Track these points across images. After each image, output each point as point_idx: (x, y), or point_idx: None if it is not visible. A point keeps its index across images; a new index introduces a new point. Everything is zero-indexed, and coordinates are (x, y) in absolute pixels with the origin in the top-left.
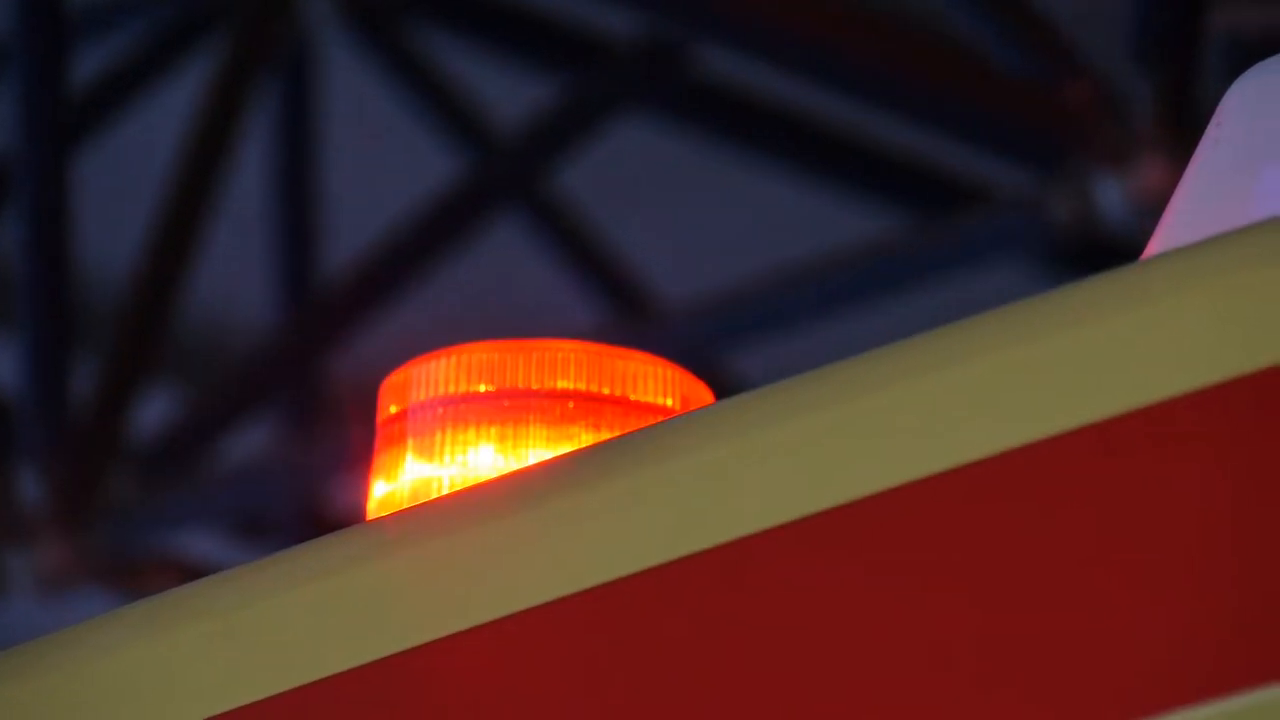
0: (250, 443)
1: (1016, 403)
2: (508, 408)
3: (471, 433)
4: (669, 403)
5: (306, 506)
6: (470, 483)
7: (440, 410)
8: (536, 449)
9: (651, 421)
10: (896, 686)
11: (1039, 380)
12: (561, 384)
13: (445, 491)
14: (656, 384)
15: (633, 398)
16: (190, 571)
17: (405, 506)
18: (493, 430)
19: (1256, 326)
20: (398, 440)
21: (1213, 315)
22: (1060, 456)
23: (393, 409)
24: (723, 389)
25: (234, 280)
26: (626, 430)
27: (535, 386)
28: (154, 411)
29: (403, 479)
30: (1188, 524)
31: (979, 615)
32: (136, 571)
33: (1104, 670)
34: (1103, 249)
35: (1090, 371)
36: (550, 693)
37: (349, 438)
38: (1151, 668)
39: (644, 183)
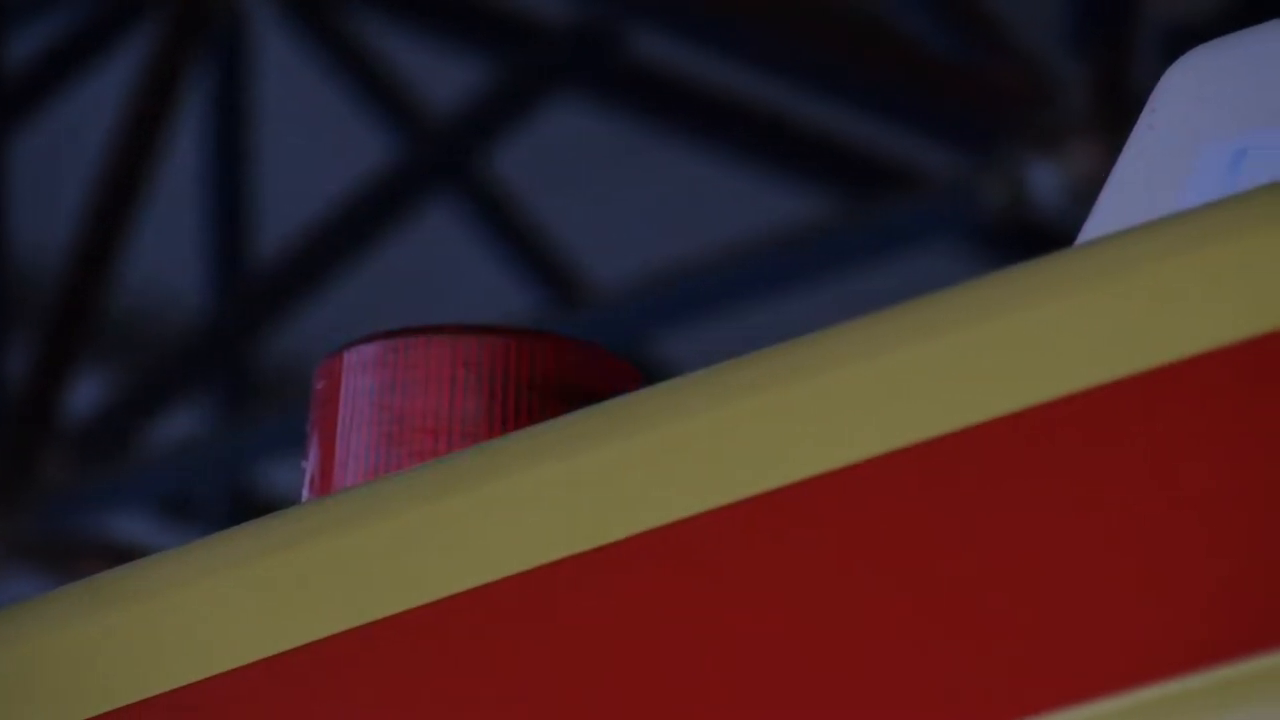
0: (181, 425)
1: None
2: (441, 392)
3: (406, 417)
4: (600, 387)
5: (237, 489)
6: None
7: (374, 394)
8: (469, 434)
9: (583, 406)
10: (851, 673)
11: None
12: (494, 368)
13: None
14: (588, 368)
15: (564, 382)
16: (122, 554)
17: (338, 490)
18: (427, 414)
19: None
20: (331, 423)
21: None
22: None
23: (326, 392)
24: (654, 372)
25: (166, 262)
26: (558, 415)
27: (468, 371)
28: (86, 393)
29: (336, 462)
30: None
31: (939, 591)
32: (67, 553)
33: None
34: (1035, 233)
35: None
36: (481, 675)
37: (280, 420)
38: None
39: (576, 166)
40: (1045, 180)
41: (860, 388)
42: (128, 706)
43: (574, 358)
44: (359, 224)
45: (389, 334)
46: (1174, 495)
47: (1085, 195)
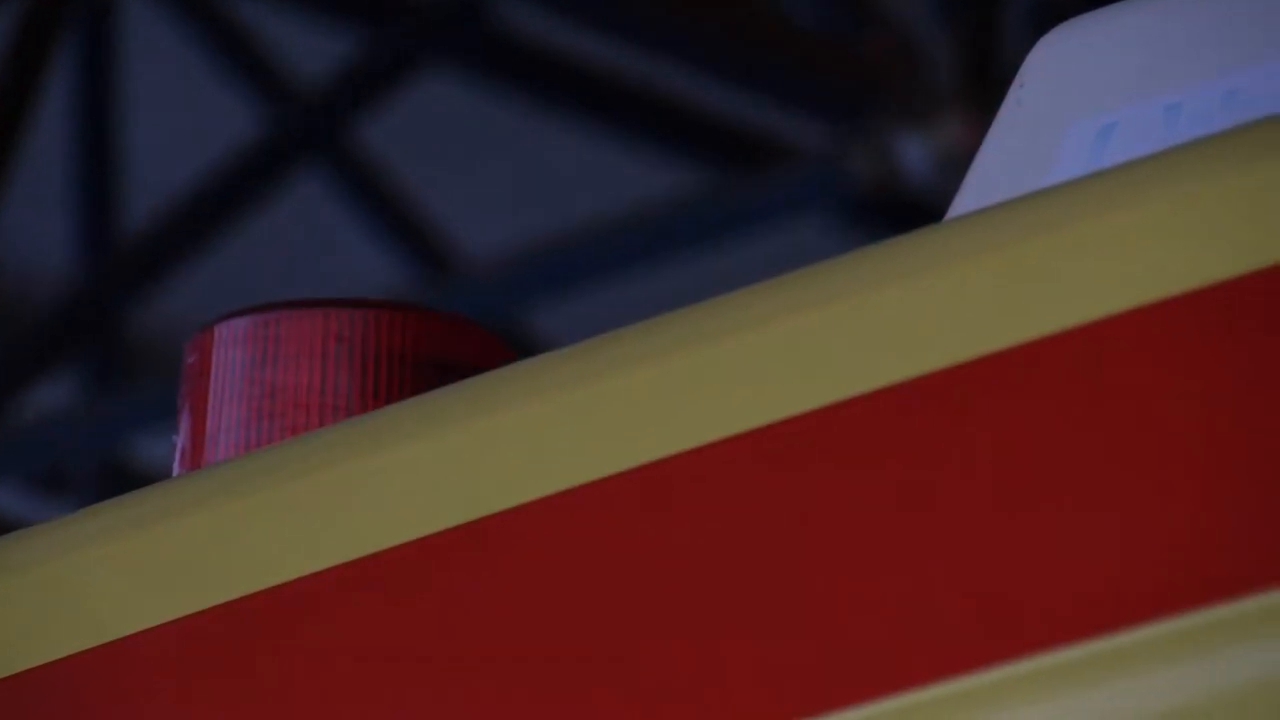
0: (51, 397)
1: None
2: (313, 366)
3: (277, 391)
4: (472, 361)
5: (108, 462)
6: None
7: (246, 368)
8: (341, 408)
9: (455, 380)
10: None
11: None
12: (365, 342)
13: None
14: (459, 342)
15: (436, 356)
16: None
17: (210, 464)
18: (299, 389)
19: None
20: (202, 397)
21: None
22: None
23: (197, 366)
24: (528, 346)
25: (35, 234)
26: (430, 389)
27: (339, 345)
28: None
29: (207, 435)
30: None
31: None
32: None
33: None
34: (905, 206)
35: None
36: (349, 649)
37: (151, 392)
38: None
39: (445, 138)
40: (914, 153)
41: (733, 362)
42: (2, 679)
43: (445, 331)
44: (228, 195)
45: (260, 308)
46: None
47: (954, 168)
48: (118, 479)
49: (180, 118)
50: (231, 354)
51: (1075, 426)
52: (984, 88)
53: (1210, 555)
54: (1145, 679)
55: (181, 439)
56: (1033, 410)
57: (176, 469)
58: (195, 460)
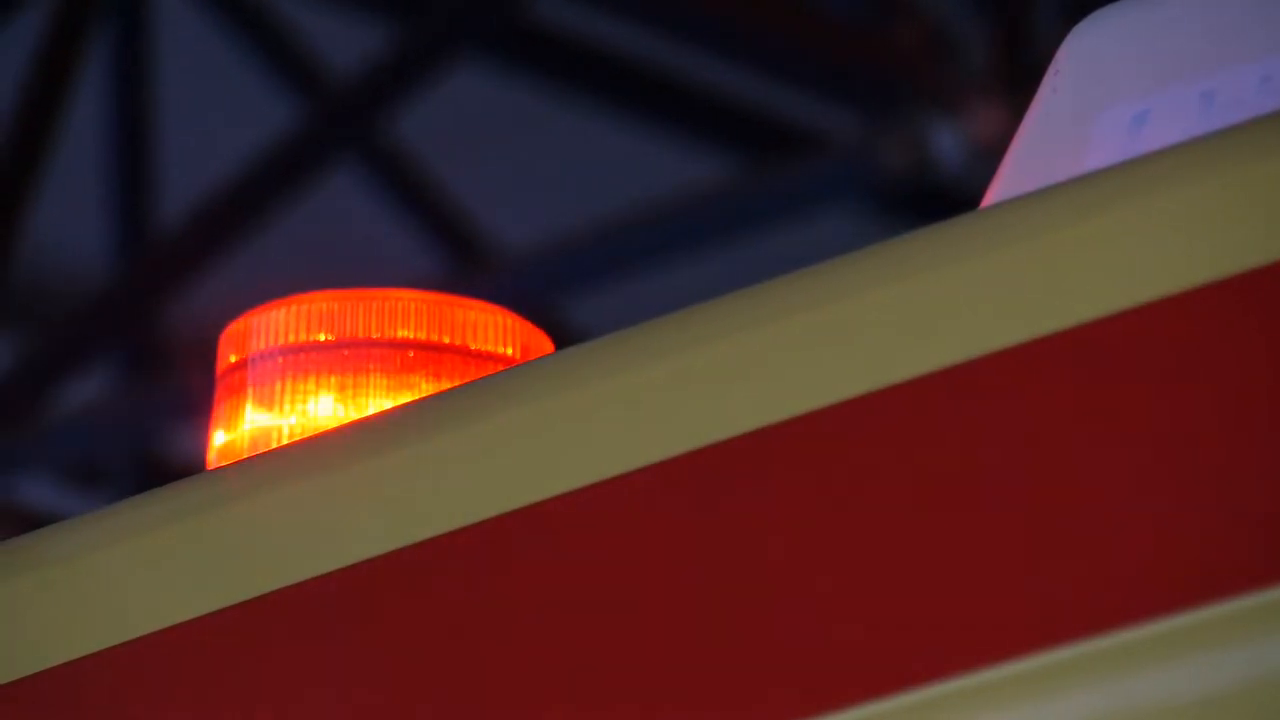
0: (86, 391)
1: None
2: (347, 357)
3: (311, 382)
4: (509, 351)
5: (142, 455)
6: (311, 432)
7: (280, 360)
8: (376, 398)
9: (491, 370)
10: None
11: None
12: (401, 333)
13: (285, 441)
14: (496, 332)
15: (473, 346)
16: (28, 519)
17: (245, 456)
18: (332, 380)
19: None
20: (237, 389)
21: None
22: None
23: (232, 358)
24: (560, 336)
25: (71, 227)
26: (466, 379)
27: (375, 336)
28: None
29: (242, 428)
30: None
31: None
32: None
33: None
34: (938, 195)
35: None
36: (392, 638)
37: (185, 386)
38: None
39: (480, 129)
40: (947, 142)
41: (766, 351)
42: (39, 673)
43: (481, 321)
44: (263, 188)
45: (295, 299)
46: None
47: (986, 157)
48: (152, 472)
49: (214, 112)
50: (267, 345)
51: (1104, 416)
52: (1017, 76)
53: (1226, 550)
54: (1146, 676)
55: (217, 431)
56: (1062, 400)
57: (212, 461)
58: (231, 452)
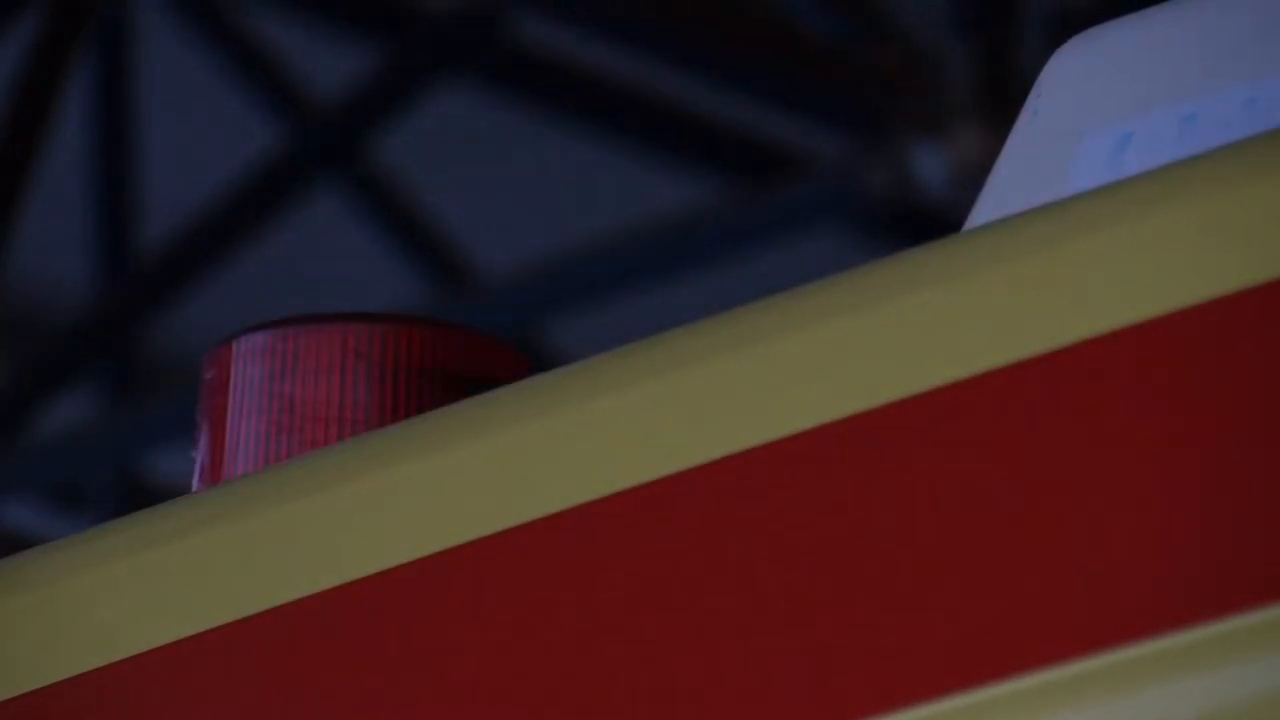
0: (68, 411)
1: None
2: (332, 380)
3: (294, 405)
4: (489, 375)
5: (125, 477)
6: (296, 455)
7: (264, 383)
8: (361, 421)
9: (472, 394)
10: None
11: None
12: (384, 357)
13: (270, 464)
14: (477, 356)
15: (454, 370)
16: (11, 542)
17: (229, 479)
18: (318, 403)
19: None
20: (221, 412)
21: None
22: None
23: (216, 381)
24: (540, 359)
25: (53, 249)
26: (447, 403)
27: (358, 360)
28: None
29: (226, 451)
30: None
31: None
32: None
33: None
34: (921, 217)
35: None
36: (368, 664)
37: (168, 408)
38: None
39: (462, 151)
40: (929, 164)
41: (749, 375)
42: (18, 697)
43: (463, 345)
44: (245, 210)
45: (279, 322)
46: (1059, 474)
47: (970, 179)
48: (134, 494)
49: (197, 133)
50: (250, 368)
51: (1089, 438)
52: (1000, 99)
53: (1223, 567)
54: (1150, 692)
55: (200, 454)
56: (1047, 422)
57: (196, 484)
58: (214, 475)
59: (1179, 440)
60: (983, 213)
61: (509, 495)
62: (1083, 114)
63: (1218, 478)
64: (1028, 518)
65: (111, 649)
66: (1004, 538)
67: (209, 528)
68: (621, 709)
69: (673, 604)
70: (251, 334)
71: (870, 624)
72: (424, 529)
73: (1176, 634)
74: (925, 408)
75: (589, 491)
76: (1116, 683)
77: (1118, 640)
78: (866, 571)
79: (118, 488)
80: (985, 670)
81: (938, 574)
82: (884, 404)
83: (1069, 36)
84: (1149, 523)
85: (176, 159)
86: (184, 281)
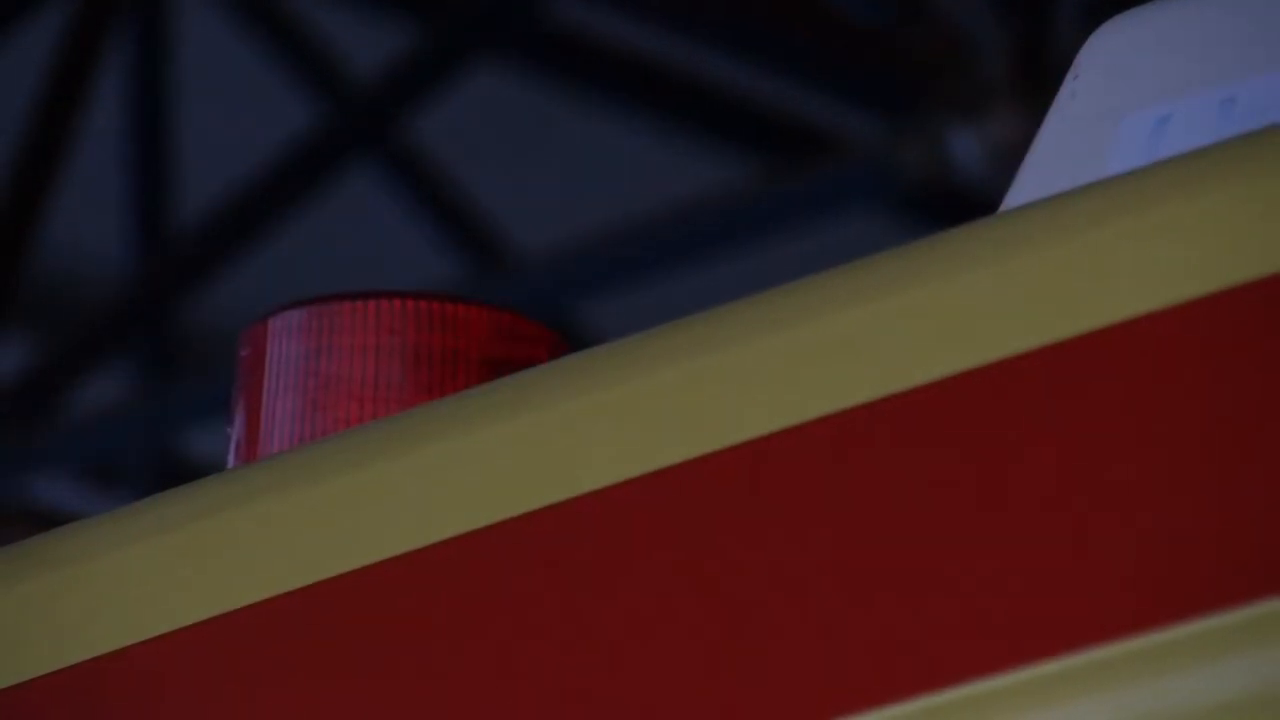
0: (105, 390)
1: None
2: (367, 359)
3: (330, 384)
4: (525, 355)
5: (160, 455)
6: (331, 433)
7: (300, 360)
8: (395, 401)
9: (508, 373)
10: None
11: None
12: (419, 335)
13: (306, 441)
14: (513, 336)
15: (489, 349)
16: (47, 520)
17: (264, 457)
18: (352, 382)
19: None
20: (256, 390)
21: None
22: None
23: (251, 359)
24: (575, 339)
25: (90, 226)
26: (483, 382)
27: (393, 338)
28: (8, 358)
29: (262, 428)
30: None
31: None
32: None
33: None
34: (957, 199)
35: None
36: (410, 640)
37: (204, 386)
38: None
39: (498, 131)
40: (965, 146)
41: (784, 356)
42: (55, 672)
43: (498, 325)
44: (281, 189)
45: (314, 300)
46: (1100, 456)
47: (1006, 161)
48: (171, 472)
49: (233, 112)
50: (286, 346)
51: (1125, 423)
52: (1036, 81)
53: (1232, 559)
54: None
55: (236, 431)
56: (1081, 405)
57: (231, 461)
58: (250, 452)
59: (1221, 424)
60: (1019, 194)
61: (543, 475)
62: (1121, 96)
63: (1254, 468)
64: (1060, 500)
65: (147, 626)
66: (1036, 520)
67: (244, 505)
68: (648, 683)
69: (705, 585)
70: (287, 312)
71: (876, 615)
72: (458, 508)
73: (1181, 625)
74: (961, 390)
75: (624, 471)
76: (1115, 676)
77: (1122, 630)
78: (893, 552)
79: (154, 465)
80: (984, 664)
81: (932, 566)
82: (918, 386)
83: (1106, 18)
84: (1179, 507)
85: (213, 138)
86: (220, 260)
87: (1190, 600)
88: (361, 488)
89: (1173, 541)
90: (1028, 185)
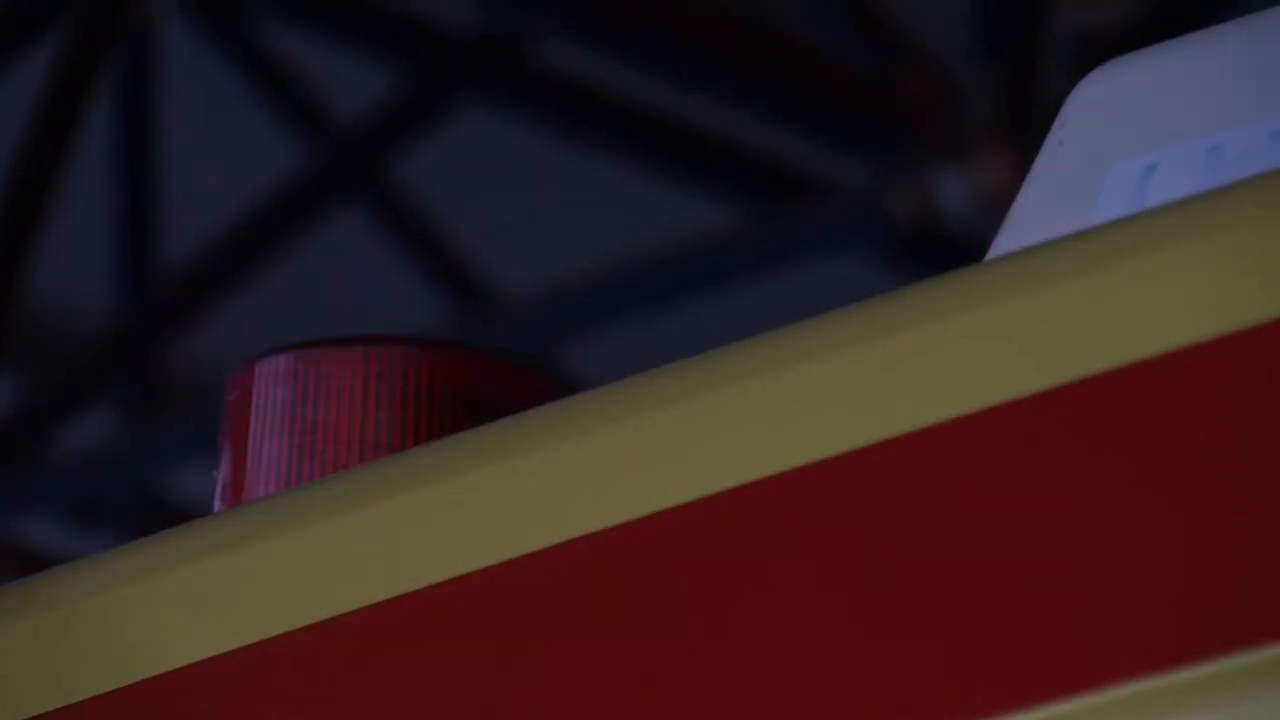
0: (89, 431)
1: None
2: (354, 403)
3: (317, 428)
4: (512, 399)
5: (145, 495)
6: (320, 477)
7: (286, 405)
8: (382, 444)
9: (495, 417)
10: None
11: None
12: (406, 380)
13: (293, 485)
14: (500, 380)
15: (477, 394)
16: (32, 559)
17: (251, 500)
18: (340, 426)
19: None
20: (243, 434)
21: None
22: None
23: (238, 403)
24: (563, 382)
25: (75, 267)
26: (470, 426)
27: (380, 383)
28: None
29: (248, 471)
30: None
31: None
32: None
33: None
34: (944, 243)
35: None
36: (389, 686)
37: (189, 426)
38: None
39: (483, 173)
40: (953, 192)
41: (770, 402)
42: (38, 717)
43: (486, 369)
44: (267, 230)
45: (301, 345)
46: (1087, 500)
47: (993, 207)
48: (154, 514)
49: (220, 153)
50: (272, 391)
51: (1112, 469)
52: (1024, 127)
53: (1238, 601)
54: None
55: (222, 475)
56: (1067, 452)
57: (217, 505)
58: (236, 496)
59: (1204, 471)
60: (1006, 241)
61: (530, 520)
62: (1108, 143)
63: (1242, 510)
64: (1045, 547)
65: (132, 669)
66: (1020, 567)
67: (231, 549)
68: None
69: (687, 633)
70: (274, 356)
71: (892, 647)
72: (446, 553)
73: (1197, 665)
74: (946, 437)
75: (610, 517)
76: (1136, 714)
77: (1125, 674)
78: (882, 600)
79: (138, 506)
80: (1006, 699)
81: (943, 607)
82: (904, 433)
83: (1093, 65)
84: (1163, 555)
85: (199, 179)
86: (206, 301)
87: (1196, 644)
88: (348, 533)
89: (1166, 588)
90: (1015, 231)
